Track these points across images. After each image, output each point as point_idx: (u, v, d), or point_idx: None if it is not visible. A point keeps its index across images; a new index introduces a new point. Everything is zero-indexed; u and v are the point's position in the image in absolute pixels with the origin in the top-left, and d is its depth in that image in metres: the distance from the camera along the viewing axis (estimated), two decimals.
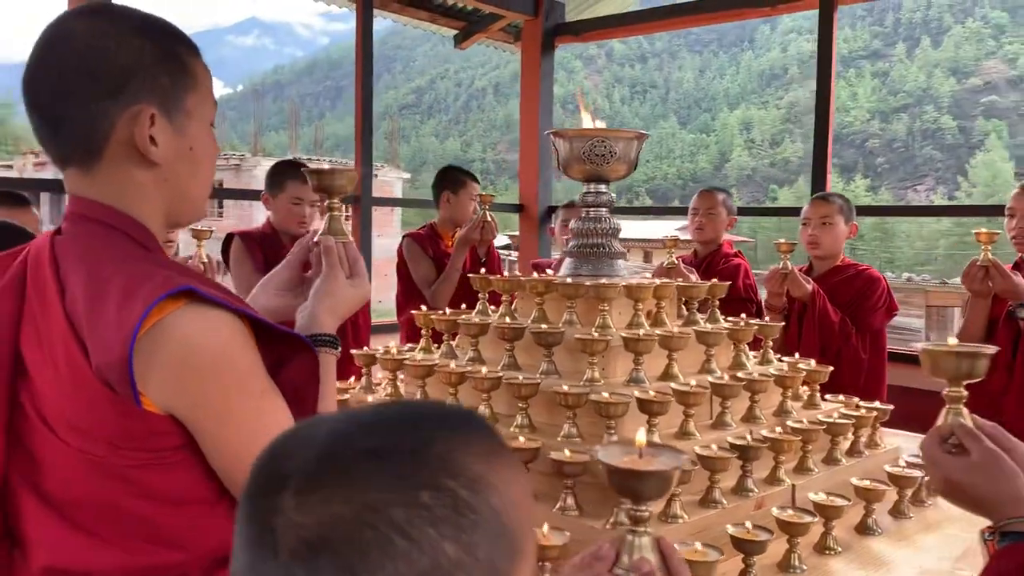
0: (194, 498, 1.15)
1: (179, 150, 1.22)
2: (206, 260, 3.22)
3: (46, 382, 1.12)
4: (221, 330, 1.11)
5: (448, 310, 2.65)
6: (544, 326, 2.23)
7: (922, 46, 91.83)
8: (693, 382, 2.08)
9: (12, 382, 1.15)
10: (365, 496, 0.63)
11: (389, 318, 5.62)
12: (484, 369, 2.18)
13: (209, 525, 1.16)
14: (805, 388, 2.48)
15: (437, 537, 0.63)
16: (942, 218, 51.04)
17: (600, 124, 2.48)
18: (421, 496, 0.64)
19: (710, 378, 2.16)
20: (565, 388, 1.96)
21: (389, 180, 31.20)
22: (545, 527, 1.55)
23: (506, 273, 2.86)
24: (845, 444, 2.32)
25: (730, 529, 1.68)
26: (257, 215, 22.89)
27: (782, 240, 3.33)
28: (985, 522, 1.12)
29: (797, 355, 2.68)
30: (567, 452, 1.82)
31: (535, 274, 2.76)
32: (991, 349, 1.19)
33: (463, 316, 2.50)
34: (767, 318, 3.26)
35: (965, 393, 1.18)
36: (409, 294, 4.18)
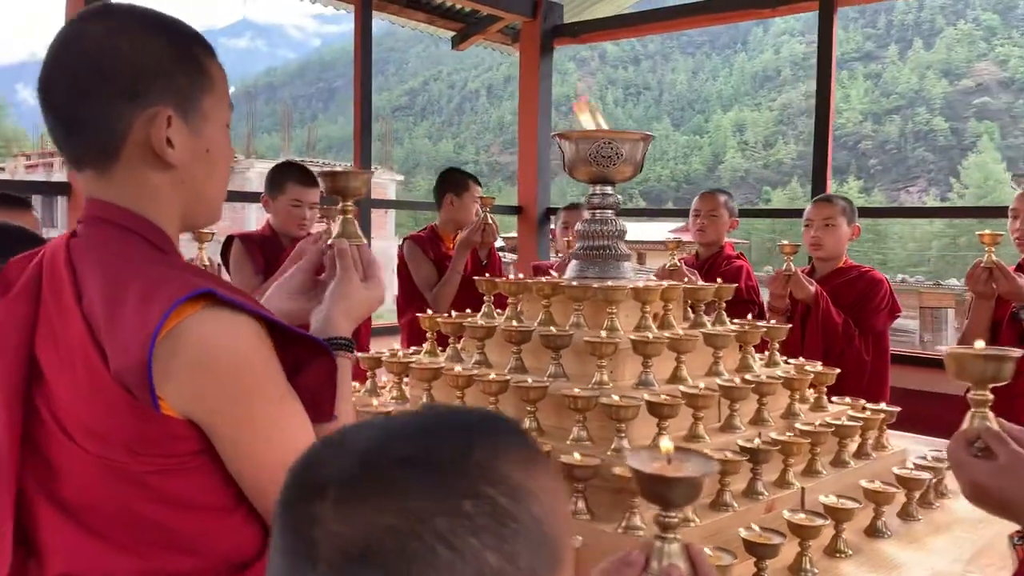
0: (211, 504, 1.14)
1: (196, 152, 1.20)
2: (207, 263, 3.21)
3: (63, 386, 1.11)
4: (240, 332, 1.10)
5: (454, 313, 2.64)
6: (552, 329, 2.22)
7: (914, 48, 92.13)
8: (702, 385, 2.07)
9: (28, 386, 1.13)
10: (406, 505, 0.62)
11: (385, 320, 5.61)
12: (492, 373, 2.17)
13: (226, 531, 1.15)
14: (811, 390, 2.47)
15: (479, 547, 0.62)
16: (934, 219, 51.19)
17: (604, 125, 2.47)
18: (463, 505, 0.63)
19: (718, 381, 2.16)
20: (576, 391, 1.95)
21: (383, 182, 31.15)
22: None
23: (510, 276, 2.85)
24: (852, 446, 2.31)
25: (743, 533, 1.67)
26: (251, 217, 22.82)
27: (785, 242, 3.33)
28: (1011, 526, 1.11)
29: (802, 357, 2.68)
30: (577, 456, 1.81)
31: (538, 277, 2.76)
32: (1017, 352, 1.19)
33: (469, 319, 2.49)
34: (770, 319, 3.26)
35: (991, 396, 1.18)
36: (410, 296, 4.17)
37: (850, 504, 1.87)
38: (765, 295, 3.85)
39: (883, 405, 2.48)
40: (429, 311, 2.68)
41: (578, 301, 2.27)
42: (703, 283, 2.56)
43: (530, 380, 2.08)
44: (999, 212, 4.42)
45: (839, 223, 3.57)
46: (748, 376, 2.26)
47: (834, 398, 2.54)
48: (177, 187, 1.21)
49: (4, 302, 1.17)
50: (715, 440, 2.02)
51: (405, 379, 2.45)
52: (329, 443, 0.70)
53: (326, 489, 0.65)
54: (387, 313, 5.60)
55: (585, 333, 2.18)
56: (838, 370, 2.52)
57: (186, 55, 1.19)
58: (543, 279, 2.51)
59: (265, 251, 3.64)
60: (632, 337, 2.10)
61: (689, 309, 2.52)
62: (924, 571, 1.82)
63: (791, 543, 1.73)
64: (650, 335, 2.14)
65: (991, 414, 1.17)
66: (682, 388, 2.04)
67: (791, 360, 2.58)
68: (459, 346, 2.48)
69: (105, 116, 1.14)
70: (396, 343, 4.06)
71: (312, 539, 0.64)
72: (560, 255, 4.71)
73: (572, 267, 2.52)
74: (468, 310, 2.65)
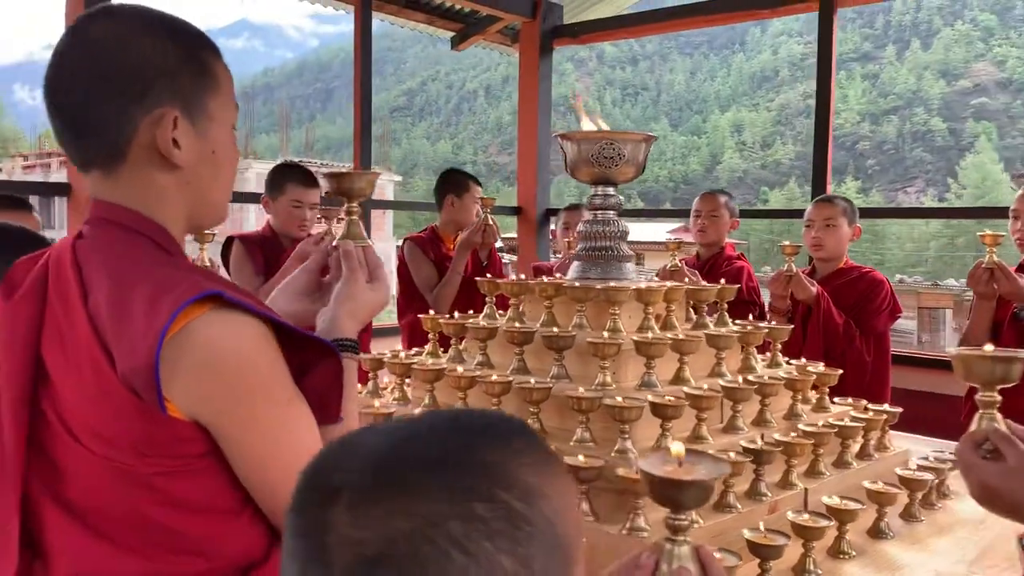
0: (218, 506, 1.13)
1: (202, 153, 1.20)
2: (208, 263, 3.20)
3: (69, 388, 1.10)
4: (247, 334, 1.10)
5: (457, 314, 2.64)
6: (555, 329, 2.22)
7: (912, 48, 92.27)
8: (705, 386, 2.07)
9: (34, 388, 1.13)
10: (421, 509, 0.62)
11: (385, 321, 5.61)
12: (494, 374, 2.16)
13: (232, 533, 1.15)
14: (813, 391, 2.47)
15: (493, 550, 0.62)
16: (932, 220, 51.27)
17: (604, 125, 2.47)
18: (476, 508, 0.63)
19: (721, 382, 2.15)
20: (580, 392, 1.95)
21: (381, 183, 31.06)
22: None
23: (511, 277, 2.85)
24: (855, 447, 2.31)
25: (747, 534, 1.67)
26: (248, 217, 22.83)
27: (787, 242, 3.33)
28: (1017, 527, 1.11)
29: (804, 358, 2.68)
30: (581, 457, 1.81)
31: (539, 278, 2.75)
32: None
33: (471, 320, 2.49)
34: (770, 320, 3.26)
35: (999, 398, 1.18)
36: (410, 297, 4.16)
37: (853, 505, 1.86)
38: (765, 295, 3.86)
39: (886, 406, 2.48)
40: (431, 311, 2.68)
41: (581, 302, 2.27)
42: (706, 284, 2.56)
43: (533, 381, 2.08)
44: (997, 213, 4.43)
45: (840, 224, 3.57)
46: (751, 377, 2.26)
47: (836, 399, 2.54)
48: (183, 188, 1.20)
49: (10, 303, 1.17)
50: (718, 441, 2.02)
51: (407, 380, 2.45)
52: (341, 447, 0.70)
53: (339, 493, 0.64)
54: (387, 314, 5.59)
55: (588, 334, 2.18)
56: (840, 371, 2.52)
57: (192, 56, 1.19)
58: (545, 280, 2.50)
59: (265, 252, 3.64)
60: (635, 338, 2.10)
61: (691, 310, 2.51)
62: (928, 572, 1.82)
63: (795, 544, 1.73)
64: (651, 336, 2.14)
65: (999, 415, 1.17)
66: (685, 389, 2.04)
67: (793, 361, 2.58)
68: (461, 347, 2.48)
69: (113, 117, 1.14)
70: (396, 344, 4.06)
71: (325, 544, 0.63)
72: (560, 256, 4.71)
73: (574, 268, 2.52)
74: (471, 311, 2.65)
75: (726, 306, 2.51)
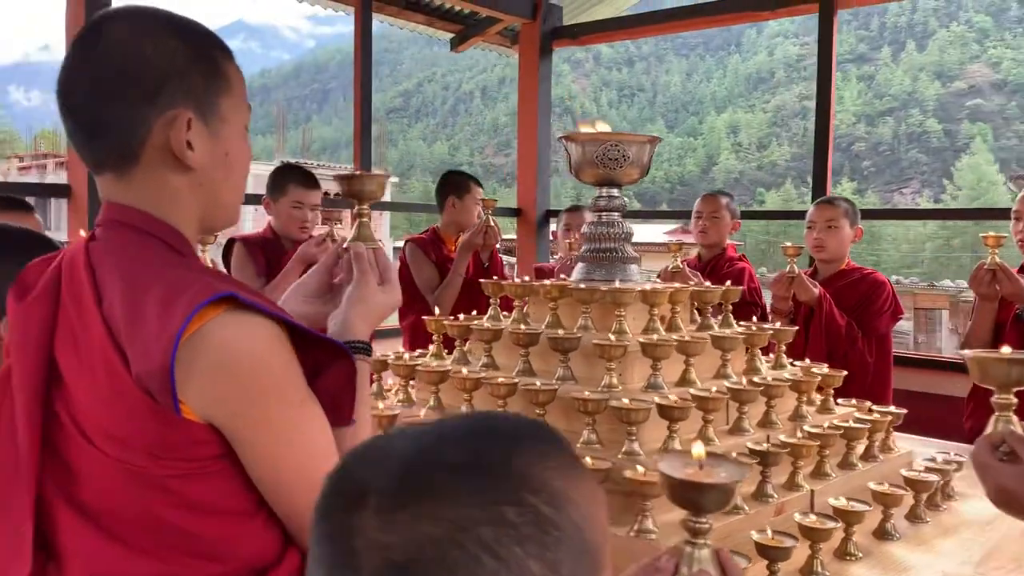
0: (232, 509, 1.13)
1: (215, 155, 1.20)
2: (210, 265, 3.19)
3: (83, 390, 1.10)
4: (260, 335, 1.09)
5: (462, 316, 2.63)
6: (560, 331, 2.22)
7: (907, 50, 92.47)
8: (712, 388, 2.07)
9: (47, 390, 1.13)
10: (451, 514, 0.62)
11: (387, 323, 5.60)
12: (500, 375, 2.16)
13: (246, 536, 1.15)
14: (818, 393, 2.47)
15: (523, 555, 0.62)
16: (928, 221, 51.33)
17: (604, 126, 2.47)
18: (506, 513, 0.62)
19: (727, 383, 2.15)
20: (586, 394, 1.94)
21: None
22: None
23: (513, 278, 2.84)
24: (860, 448, 2.31)
25: (755, 536, 1.67)
26: (246, 219, 22.76)
27: (789, 244, 3.33)
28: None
29: (807, 360, 2.68)
30: (588, 460, 1.80)
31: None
32: None
33: (476, 321, 2.49)
34: (772, 321, 3.26)
35: (1015, 400, 1.18)
36: (411, 299, 4.15)
37: (860, 506, 1.86)
38: (766, 296, 3.86)
39: (891, 407, 2.48)
40: (436, 312, 2.68)
41: (586, 303, 2.27)
42: (711, 285, 2.56)
43: (539, 383, 2.07)
44: (994, 214, 4.44)
45: (841, 225, 3.57)
46: (756, 379, 2.26)
47: (839, 400, 2.54)
48: (196, 190, 1.20)
49: (23, 305, 1.16)
50: (724, 443, 2.02)
51: (412, 382, 2.44)
52: (366, 451, 0.69)
53: (366, 498, 0.64)
54: None
55: (593, 336, 2.18)
56: (845, 372, 2.52)
57: (205, 57, 1.18)
58: (548, 281, 2.50)
59: (267, 253, 3.63)
60: (641, 340, 2.09)
61: (695, 311, 2.51)
62: (935, 573, 1.82)
63: (802, 546, 1.73)
64: (657, 338, 2.14)
65: (1015, 418, 1.17)
66: (692, 391, 2.04)
67: (796, 362, 2.58)
68: (466, 349, 2.47)
69: (126, 119, 1.14)
70: (397, 346, 4.06)
71: (353, 549, 0.63)
72: (560, 257, 4.71)
73: (578, 269, 2.52)
74: (473, 312, 2.64)
75: (730, 307, 2.51)
